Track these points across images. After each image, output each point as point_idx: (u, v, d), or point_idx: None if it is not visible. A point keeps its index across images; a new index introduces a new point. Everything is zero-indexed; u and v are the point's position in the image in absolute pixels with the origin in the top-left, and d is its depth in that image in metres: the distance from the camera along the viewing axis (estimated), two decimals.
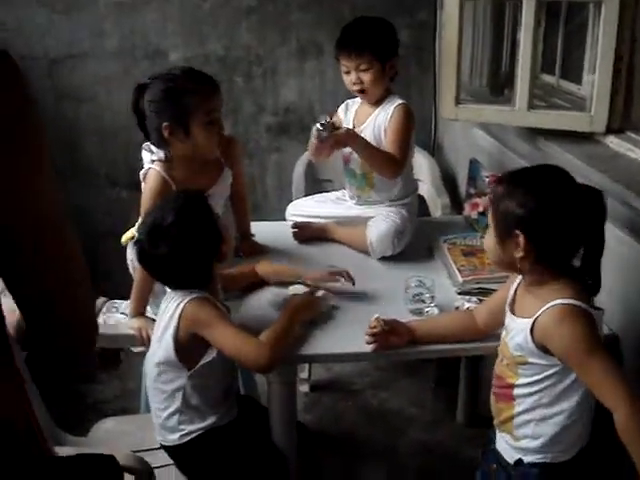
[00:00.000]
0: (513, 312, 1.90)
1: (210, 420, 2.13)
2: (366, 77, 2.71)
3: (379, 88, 2.76)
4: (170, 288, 2.14)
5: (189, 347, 2.06)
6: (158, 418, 2.17)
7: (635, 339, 2.12)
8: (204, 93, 2.39)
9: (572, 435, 1.86)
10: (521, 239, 1.74)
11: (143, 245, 2.07)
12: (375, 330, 2.10)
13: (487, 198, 2.60)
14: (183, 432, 2.13)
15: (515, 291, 1.93)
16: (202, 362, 2.07)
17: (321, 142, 2.64)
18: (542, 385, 1.81)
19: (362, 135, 2.74)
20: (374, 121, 2.78)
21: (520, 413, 1.87)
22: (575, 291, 1.76)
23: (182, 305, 2.04)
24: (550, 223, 1.74)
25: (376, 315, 2.13)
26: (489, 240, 1.87)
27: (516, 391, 1.86)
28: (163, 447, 2.20)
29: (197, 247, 2.05)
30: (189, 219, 2.06)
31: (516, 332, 1.84)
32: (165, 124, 2.40)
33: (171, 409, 2.12)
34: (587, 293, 1.80)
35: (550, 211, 1.74)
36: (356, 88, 2.75)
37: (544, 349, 1.76)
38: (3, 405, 1.04)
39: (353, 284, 2.42)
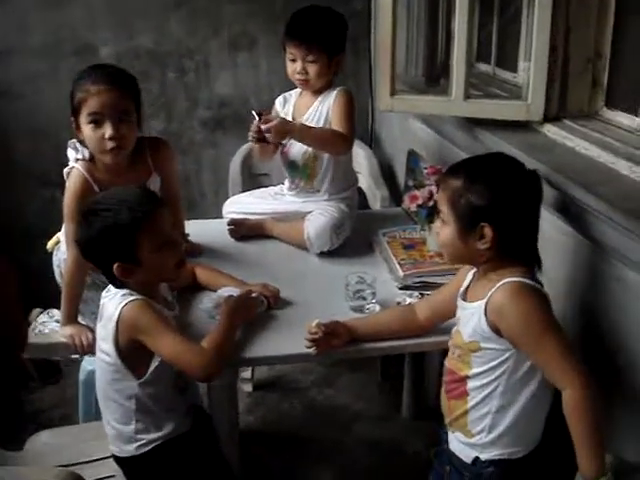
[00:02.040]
0: (465, 299, 1.90)
1: (167, 429, 2.04)
2: (312, 69, 2.68)
3: (322, 81, 2.72)
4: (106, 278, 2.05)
5: (133, 352, 1.96)
6: (112, 429, 2.07)
7: (578, 329, 2.11)
8: (88, 92, 2.32)
9: (529, 427, 1.84)
10: (488, 230, 1.75)
11: (80, 216, 2.01)
12: (315, 336, 2.05)
13: (427, 190, 2.58)
14: (140, 442, 2.03)
15: (469, 282, 1.93)
16: (151, 368, 1.98)
17: (258, 133, 2.59)
18: (496, 373, 1.79)
19: None
20: (317, 110, 2.75)
21: (474, 406, 1.84)
22: (525, 272, 1.78)
23: (119, 308, 1.94)
24: (513, 211, 1.77)
25: (316, 321, 2.08)
26: (447, 234, 1.84)
27: (470, 384, 1.84)
28: (116, 458, 2.11)
29: (94, 248, 1.96)
30: (122, 215, 1.94)
31: (469, 316, 1.83)
32: (71, 119, 2.39)
33: (125, 419, 2.03)
34: (533, 271, 1.82)
35: (512, 199, 1.77)
36: (299, 77, 2.71)
37: (497, 331, 1.75)
38: None
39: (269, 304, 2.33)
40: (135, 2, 3.81)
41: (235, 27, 3.93)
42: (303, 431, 3.25)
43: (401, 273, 2.45)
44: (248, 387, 3.46)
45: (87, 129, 2.34)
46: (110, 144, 2.33)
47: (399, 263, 2.51)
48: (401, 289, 2.41)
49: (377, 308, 2.29)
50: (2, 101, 3.86)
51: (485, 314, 1.76)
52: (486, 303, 1.76)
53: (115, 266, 1.93)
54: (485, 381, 1.81)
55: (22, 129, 3.94)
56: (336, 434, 3.21)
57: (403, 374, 3.28)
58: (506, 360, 1.77)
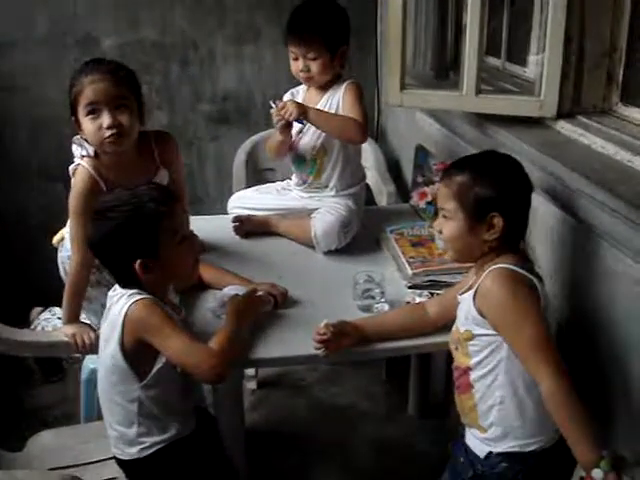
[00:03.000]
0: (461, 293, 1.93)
1: (170, 432, 2.00)
2: (314, 66, 2.63)
3: (326, 76, 2.68)
4: (112, 276, 2.01)
5: (137, 353, 1.92)
6: (114, 431, 2.03)
7: (579, 327, 2.10)
8: (82, 84, 2.29)
9: (539, 420, 1.82)
10: (498, 220, 1.81)
11: (95, 214, 1.97)
12: (325, 337, 2.01)
13: (437, 187, 2.53)
14: (143, 445, 2.00)
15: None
16: (154, 370, 1.94)
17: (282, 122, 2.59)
18: (493, 362, 1.81)
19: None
20: (326, 105, 2.70)
21: (480, 399, 1.86)
22: (518, 260, 1.83)
23: (126, 307, 1.89)
24: (517, 199, 1.86)
25: (325, 321, 2.04)
26: (453, 229, 1.88)
27: (472, 375, 1.86)
28: (118, 461, 2.07)
29: (112, 244, 1.92)
30: (126, 211, 1.92)
31: (462, 306, 1.89)
32: (72, 117, 2.35)
33: (127, 421, 1.99)
34: (528, 262, 1.86)
35: (515, 188, 1.86)
36: (303, 75, 2.67)
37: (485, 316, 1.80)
38: None
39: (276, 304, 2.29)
40: None
41: (240, 19, 3.88)
42: (308, 430, 3.21)
43: (410, 271, 2.41)
44: (252, 385, 3.42)
45: (86, 122, 2.30)
46: (108, 132, 2.29)
47: (408, 261, 2.46)
48: (410, 288, 2.36)
49: (386, 307, 2.25)
50: (4, 93, 3.81)
51: (474, 300, 1.81)
52: (475, 290, 1.82)
53: (137, 263, 1.90)
54: (485, 370, 1.83)
55: (23, 122, 3.90)
56: (341, 433, 3.17)
57: (408, 372, 3.23)
58: (499, 348, 1.79)
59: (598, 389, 1.99)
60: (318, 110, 2.63)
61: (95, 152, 2.38)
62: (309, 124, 2.65)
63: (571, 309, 2.14)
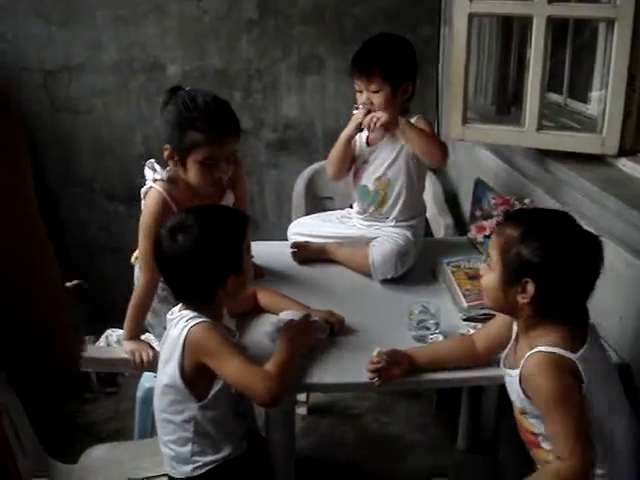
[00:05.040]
0: (505, 364, 1.91)
1: (224, 452, 2.03)
2: (376, 99, 2.65)
3: (389, 110, 2.66)
4: (175, 297, 2.06)
5: (196, 375, 1.96)
6: (168, 449, 2.07)
7: None
8: (211, 137, 2.31)
9: (622, 461, 1.81)
10: (531, 287, 1.75)
11: (161, 237, 1.99)
12: (378, 366, 2.03)
13: (495, 221, 2.54)
14: (196, 464, 2.03)
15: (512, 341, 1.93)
16: (212, 392, 1.97)
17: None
18: None
19: (377, 153, 2.74)
20: (395, 139, 2.71)
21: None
22: (560, 335, 1.76)
23: (186, 330, 1.93)
24: (563, 274, 1.74)
25: (377, 349, 2.06)
26: (490, 280, 1.85)
27: (540, 438, 1.84)
28: (171, 479, 2.09)
29: (208, 258, 1.95)
30: (214, 226, 1.99)
31: (510, 385, 1.86)
32: (166, 145, 2.37)
33: (182, 440, 2.02)
34: (576, 332, 1.78)
35: (564, 263, 1.73)
36: (367, 108, 2.69)
37: None
38: None
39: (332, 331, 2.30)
40: (206, 22, 3.83)
41: (304, 49, 3.92)
42: (356, 458, 3.21)
43: (465, 304, 2.40)
44: (303, 410, 3.43)
45: (197, 167, 2.35)
46: (211, 179, 2.38)
47: (463, 294, 2.46)
48: (465, 320, 2.37)
49: (440, 338, 2.25)
50: (71, 115, 3.92)
51: (520, 383, 1.79)
52: (520, 373, 1.78)
53: (230, 279, 1.98)
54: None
55: (88, 143, 3.99)
56: (389, 463, 3.16)
57: (459, 405, 3.21)
58: None
59: None
60: (410, 123, 2.65)
61: (168, 176, 2.42)
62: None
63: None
